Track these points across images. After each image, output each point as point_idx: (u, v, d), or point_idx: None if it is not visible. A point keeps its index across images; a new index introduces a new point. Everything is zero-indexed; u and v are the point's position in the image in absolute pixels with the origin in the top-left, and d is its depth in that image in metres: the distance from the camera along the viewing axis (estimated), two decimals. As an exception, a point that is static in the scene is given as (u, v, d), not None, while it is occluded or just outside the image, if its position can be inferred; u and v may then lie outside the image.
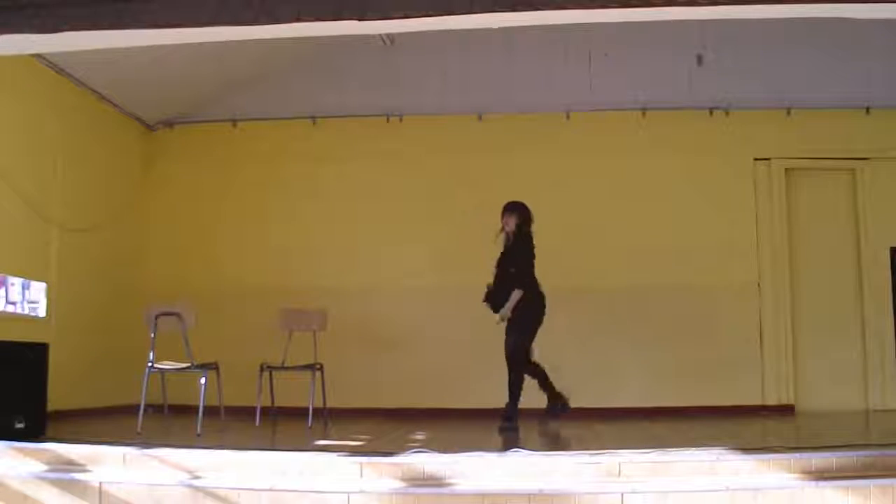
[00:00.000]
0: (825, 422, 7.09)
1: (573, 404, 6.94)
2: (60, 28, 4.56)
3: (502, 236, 6.74)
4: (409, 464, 4.47)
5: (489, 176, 8.39)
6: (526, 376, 6.64)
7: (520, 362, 6.57)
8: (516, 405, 6.51)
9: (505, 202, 6.74)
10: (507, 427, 6.37)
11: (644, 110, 8.50)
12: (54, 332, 6.97)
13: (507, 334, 6.59)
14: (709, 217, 8.38)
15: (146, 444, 5.04)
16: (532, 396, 6.77)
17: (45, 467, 4.71)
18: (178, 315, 6.41)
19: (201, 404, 6.16)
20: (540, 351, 6.79)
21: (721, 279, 8.28)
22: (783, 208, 8.43)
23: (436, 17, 4.38)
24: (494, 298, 6.62)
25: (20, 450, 4.85)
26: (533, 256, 6.65)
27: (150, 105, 8.63)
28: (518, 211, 6.69)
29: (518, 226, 6.67)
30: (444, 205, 8.51)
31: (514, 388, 6.53)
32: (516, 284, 6.54)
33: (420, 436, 6.12)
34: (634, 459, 4.46)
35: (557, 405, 6.81)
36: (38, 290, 7.14)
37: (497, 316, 6.58)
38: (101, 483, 4.39)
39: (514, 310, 6.54)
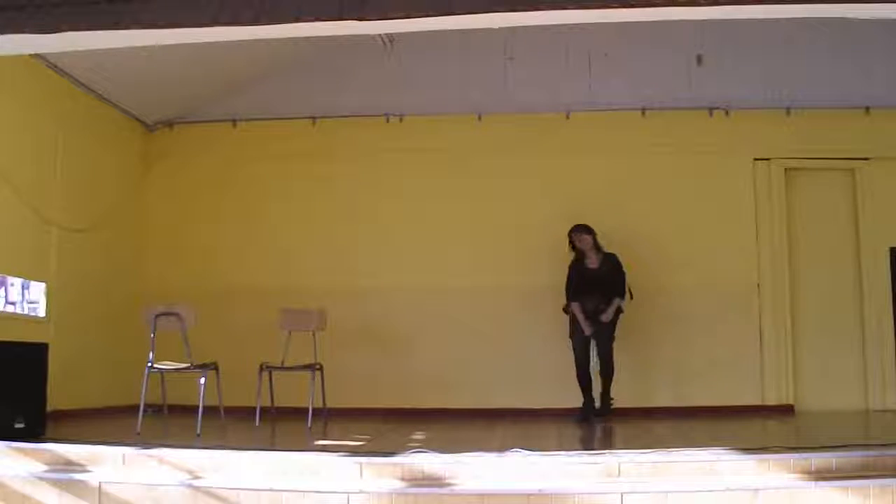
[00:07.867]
0: (825, 422, 7.09)
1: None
2: (60, 28, 4.56)
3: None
4: (409, 464, 4.47)
5: (489, 176, 8.39)
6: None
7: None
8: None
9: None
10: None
11: (644, 110, 8.49)
12: (54, 332, 6.97)
13: (601, 342, 7.39)
14: (709, 217, 8.36)
15: (146, 444, 5.05)
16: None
17: (44, 467, 4.72)
18: (178, 315, 6.41)
19: (201, 404, 6.16)
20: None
21: (721, 279, 8.26)
22: (783, 208, 8.40)
23: (436, 17, 4.38)
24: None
25: (20, 450, 4.86)
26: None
27: (149, 105, 8.62)
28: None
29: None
30: (443, 205, 8.50)
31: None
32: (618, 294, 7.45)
33: (420, 436, 6.12)
34: (634, 459, 4.46)
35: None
36: (37, 290, 7.14)
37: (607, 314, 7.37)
38: (100, 483, 4.40)
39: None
